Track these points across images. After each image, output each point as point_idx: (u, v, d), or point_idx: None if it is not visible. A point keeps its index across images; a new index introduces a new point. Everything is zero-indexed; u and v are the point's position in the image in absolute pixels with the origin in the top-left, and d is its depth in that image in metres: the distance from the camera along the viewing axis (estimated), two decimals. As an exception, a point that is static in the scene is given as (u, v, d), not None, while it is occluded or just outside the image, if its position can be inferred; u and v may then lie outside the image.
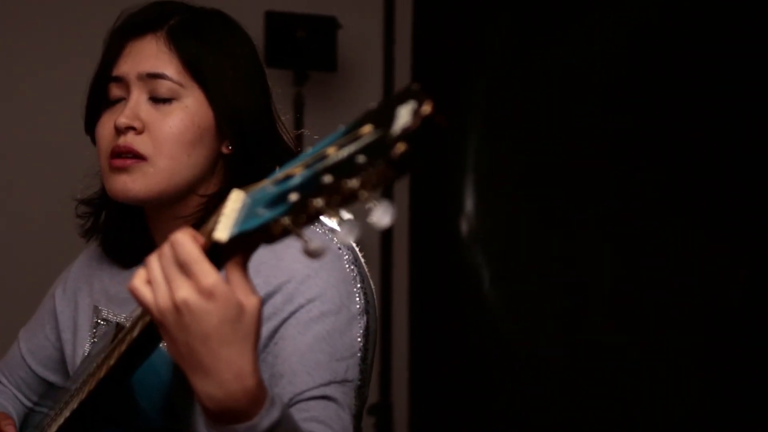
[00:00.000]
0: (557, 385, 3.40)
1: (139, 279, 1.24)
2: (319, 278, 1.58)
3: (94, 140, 1.77)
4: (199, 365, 1.20)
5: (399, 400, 3.94)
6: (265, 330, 1.54)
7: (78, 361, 1.81)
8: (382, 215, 1.06)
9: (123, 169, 1.66)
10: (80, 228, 1.85)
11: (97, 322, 1.81)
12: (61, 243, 1.96)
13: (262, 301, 1.22)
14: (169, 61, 1.69)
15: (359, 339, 1.60)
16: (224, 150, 1.72)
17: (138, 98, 1.68)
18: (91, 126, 1.76)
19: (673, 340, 3.11)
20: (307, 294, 1.58)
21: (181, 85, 1.68)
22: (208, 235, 1.21)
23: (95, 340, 1.79)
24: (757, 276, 2.87)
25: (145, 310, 1.25)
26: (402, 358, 3.98)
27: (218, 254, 1.20)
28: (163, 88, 1.67)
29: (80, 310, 1.85)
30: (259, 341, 1.23)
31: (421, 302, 3.89)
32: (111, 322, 1.78)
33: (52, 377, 1.93)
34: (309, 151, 1.17)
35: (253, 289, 1.21)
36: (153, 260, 1.23)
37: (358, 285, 1.63)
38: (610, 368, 3.25)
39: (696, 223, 3.03)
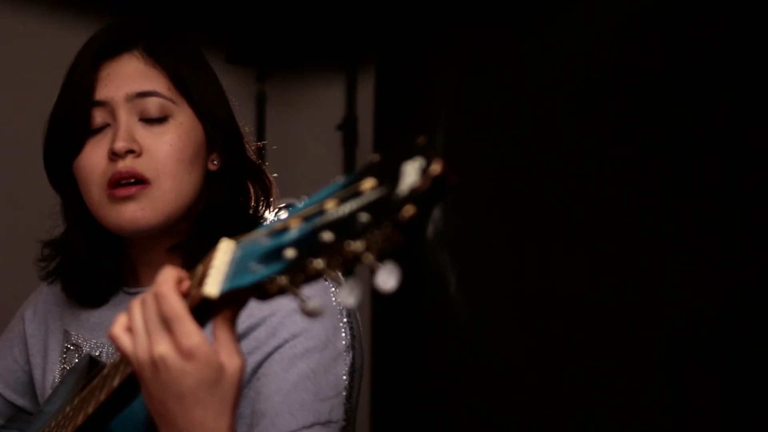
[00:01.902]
0: (523, 390, 3.38)
1: (119, 326, 1.20)
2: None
3: (53, 176, 1.69)
4: (172, 423, 1.17)
5: (360, 404, 3.89)
6: (248, 364, 1.49)
7: (48, 386, 1.75)
8: (387, 278, 1.01)
9: (128, 198, 1.59)
10: (41, 270, 1.77)
11: (67, 347, 1.75)
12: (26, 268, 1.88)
13: (245, 363, 1.19)
14: (157, 78, 1.63)
15: (345, 377, 1.55)
16: (210, 166, 1.67)
17: (128, 120, 1.61)
18: (60, 159, 1.66)
19: (639, 345, 3.10)
20: (291, 328, 1.53)
21: (172, 101, 1.63)
22: (197, 288, 1.15)
23: (65, 366, 1.74)
24: (729, 285, 2.86)
25: (124, 358, 1.20)
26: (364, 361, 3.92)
27: (206, 309, 1.15)
28: (154, 106, 1.61)
29: (51, 333, 1.79)
30: (239, 403, 1.19)
31: (385, 306, 3.84)
32: (81, 348, 1.73)
33: (20, 401, 1.86)
34: (305, 202, 1.11)
35: (237, 350, 1.17)
36: (136, 308, 1.18)
37: (345, 319, 1.58)
38: (576, 373, 3.23)
39: (666, 229, 3.01)
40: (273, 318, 1.53)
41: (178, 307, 1.14)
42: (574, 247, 3.27)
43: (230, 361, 1.16)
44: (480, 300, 3.54)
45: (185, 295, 1.17)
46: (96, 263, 1.72)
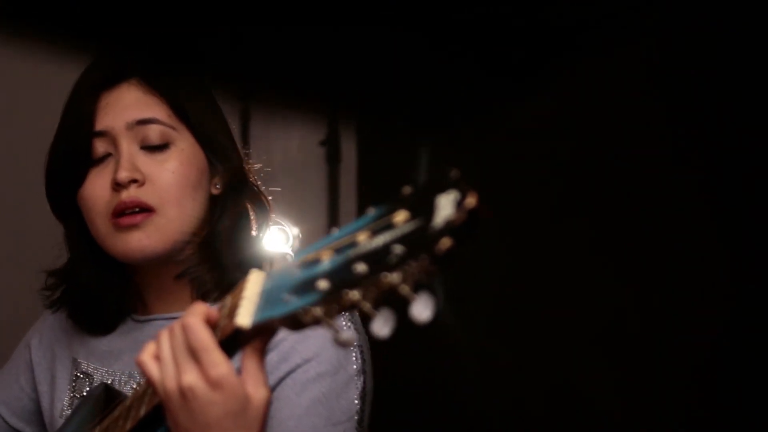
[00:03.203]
0: (511, 405, 3.39)
1: (147, 353, 1.22)
2: (315, 337, 1.54)
3: (57, 206, 1.70)
4: None
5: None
6: None
7: (56, 414, 1.75)
8: (423, 309, 1.02)
9: (134, 227, 1.60)
10: (45, 299, 1.78)
11: (76, 375, 1.74)
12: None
13: (271, 395, 1.20)
14: (157, 106, 1.64)
15: (356, 401, 1.56)
16: (213, 190, 1.68)
17: (130, 149, 1.62)
18: (64, 190, 1.67)
19: (620, 354, 3.12)
20: (303, 353, 1.54)
21: (173, 128, 1.63)
22: (228, 319, 1.16)
23: (75, 394, 1.74)
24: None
25: (151, 385, 1.21)
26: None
27: (237, 340, 1.16)
28: (155, 134, 1.62)
29: (58, 361, 1.79)
30: None
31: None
32: (92, 376, 1.73)
33: (27, 429, 1.86)
34: (335, 234, 1.13)
35: (264, 381, 1.19)
36: (164, 338, 1.20)
37: (355, 343, 1.60)
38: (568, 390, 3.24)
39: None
40: (285, 343, 1.54)
41: (205, 338, 1.16)
42: (567, 259, 3.28)
43: (256, 391, 1.17)
44: (469, 315, 3.55)
45: (214, 326, 1.18)
46: (102, 291, 1.72)
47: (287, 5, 3.51)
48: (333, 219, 3.98)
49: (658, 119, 2.94)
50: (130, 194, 1.59)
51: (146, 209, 1.60)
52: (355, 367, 1.58)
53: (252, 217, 1.72)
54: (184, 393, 1.16)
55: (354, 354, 1.58)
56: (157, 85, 1.65)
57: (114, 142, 1.63)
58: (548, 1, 3.11)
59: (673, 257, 2.92)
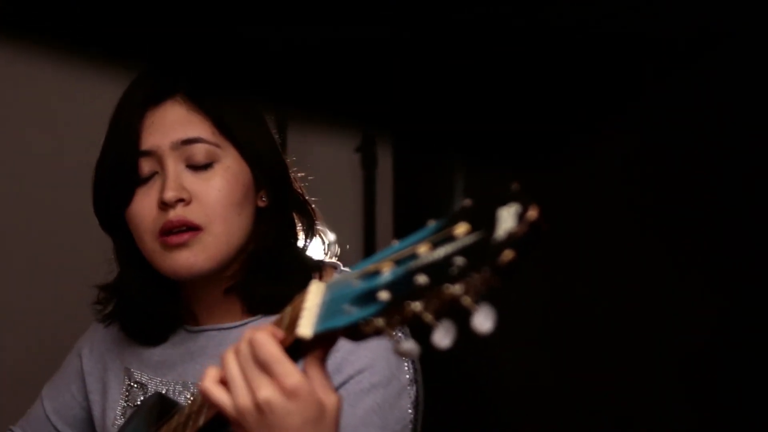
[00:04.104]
0: (553, 418, 3.39)
1: (210, 379, 1.22)
2: (367, 348, 1.55)
3: (106, 223, 1.72)
4: None
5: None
6: None
7: (108, 423, 1.76)
8: (484, 320, 1.03)
9: (181, 245, 1.61)
10: (98, 313, 1.80)
11: (130, 385, 1.76)
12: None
13: (341, 400, 1.20)
14: (201, 124, 1.64)
15: (410, 410, 1.57)
16: (260, 203, 1.69)
17: (176, 168, 1.63)
18: (112, 207, 1.69)
19: (662, 367, 3.11)
20: (356, 364, 1.55)
21: (217, 146, 1.64)
22: (290, 330, 1.18)
23: (128, 403, 1.75)
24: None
25: (221, 410, 1.21)
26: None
27: (298, 351, 1.18)
28: (200, 152, 1.63)
29: (110, 371, 1.80)
30: None
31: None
32: (146, 386, 1.74)
33: (78, 438, 1.88)
34: (395, 246, 1.14)
35: (332, 387, 1.19)
36: (230, 359, 1.20)
37: (406, 352, 1.60)
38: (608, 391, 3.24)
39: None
40: (336, 354, 1.53)
41: (275, 350, 1.17)
42: (595, 271, 3.28)
43: (328, 398, 1.18)
44: (507, 325, 3.54)
45: (278, 339, 1.20)
46: (152, 305, 1.74)
47: (323, 13, 3.52)
48: (369, 225, 3.99)
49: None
50: (177, 213, 1.61)
51: (193, 228, 1.61)
52: (407, 376, 1.59)
53: (298, 228, 1.73)
54: (261, 408, 1.17)
55: (406, 363, 1.59)
56: (201, 101, 1.65)
57: (160, 161, 1.64)
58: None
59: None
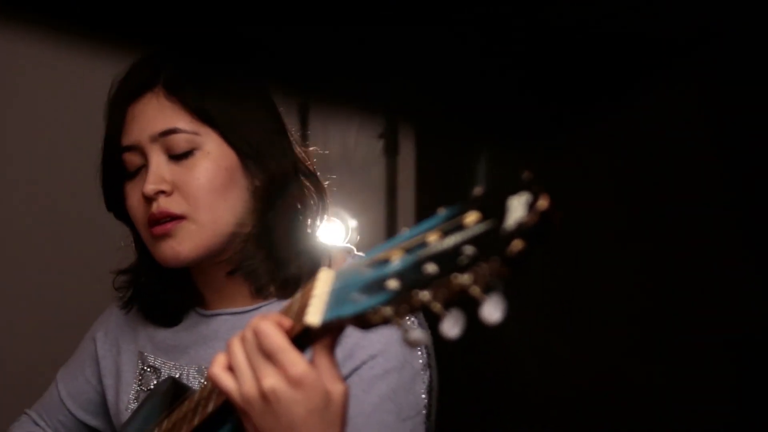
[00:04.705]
0: (571, 400, 3.38)
1: (218, 366, 1.21)
2: (379, 333, 1.52)
3: (117, 215, 1.74)
4: None
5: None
6: None
7: (122, 407, 1.77)
8: (493, 310, 1.02)
9: (166, 235, 1.62)
10: (119, 300, 1.82)
11: (143, 369, 1.76)
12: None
13: (348, 388, 1.20)
14: (177, 114, 1.63)
15: (423, 395, 1.56)
16: (257, 183, 1.66)
17: (157, 160, 1.62)
18: (113, 202, 1.72)
19: (695, 365, 3.09)
20: (368, 350, 1.54)
21: (196, 133, 1.62)
22: (298, 318, 1.17)
23: (142, 387, 1.75)
24: None
25: (228, 397, 1.21)
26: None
27: (306, 338, 1.17)
28: (180, 142, 1.62)
29: (123, 355, 1.81)
30: (346, 428, 1.20)
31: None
32: (159, 370, 1.74)
33: (93, 421, 1.88)
34: (405, 234, 1.12)
35: (339, 376, 1.18)
36: (236, 347, 1.20)
37: (419, 339, 1.59)
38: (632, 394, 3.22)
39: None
40: (348, 339, 1.53)
41: (280, 339, 1.16)
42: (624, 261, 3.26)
43: (334, 386, 1.17)
44: (530, 320, 3.53)
45: (284, 328, 1.19)
46: (164, 289, 1.76)
47: (349, 1, 3.51)
48: (391, 211, 3.98)
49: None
50: (159, 206, 1.61)
51: (176, 218, 1.61)
52: (420, 362, 1.57)
53: (304, 208, 1.70)
54: (266, 397, 1.16)
55: (419, 349, 1.58)
56: (178, 91, 1.64)
57: (143, 153, 1.64)
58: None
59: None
